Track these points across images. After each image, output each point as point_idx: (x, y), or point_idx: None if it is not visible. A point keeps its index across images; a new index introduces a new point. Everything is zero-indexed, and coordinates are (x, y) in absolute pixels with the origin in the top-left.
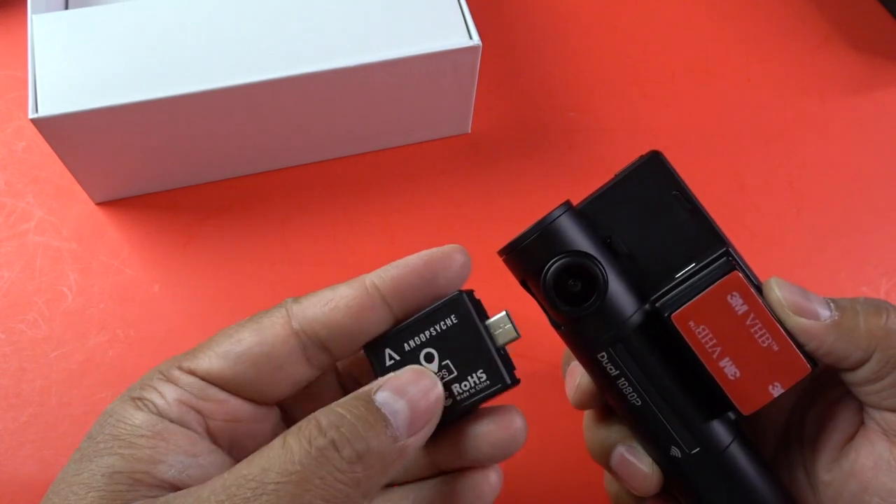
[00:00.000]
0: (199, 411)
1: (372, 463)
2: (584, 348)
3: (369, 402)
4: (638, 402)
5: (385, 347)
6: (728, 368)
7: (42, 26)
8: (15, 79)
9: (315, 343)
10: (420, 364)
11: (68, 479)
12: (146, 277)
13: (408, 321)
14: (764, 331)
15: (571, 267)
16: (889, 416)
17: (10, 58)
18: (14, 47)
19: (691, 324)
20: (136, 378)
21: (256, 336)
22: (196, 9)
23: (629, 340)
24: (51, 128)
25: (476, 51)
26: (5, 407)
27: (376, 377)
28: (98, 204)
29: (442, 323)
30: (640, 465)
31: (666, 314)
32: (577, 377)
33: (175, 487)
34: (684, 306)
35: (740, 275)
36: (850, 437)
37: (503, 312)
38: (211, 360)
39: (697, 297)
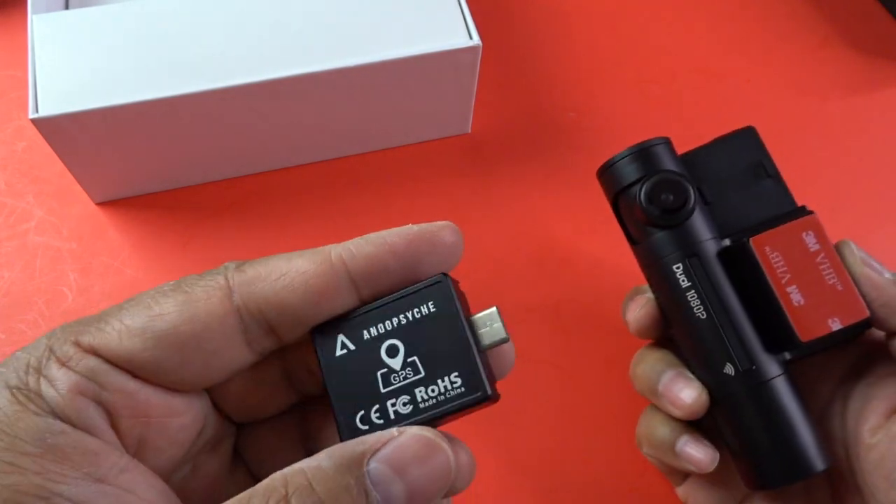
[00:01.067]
0: (104, 406)
1: None
2: (660, 260)
3: (359, 477)
4: (703, 315)
5: (339, 333)
6: (794, 295)
7: (42, 26)
8: (15, 79)
9: (260, 325)
10: (380, 358)
11: None
12: (146, 277)
13: (372, 304)
14: (831, 270)
15: (670, 181)
16: None
17: (10, 58)
18: (14, 47)
19: (767, 249)
20: None
21: (185, 311)
22: (196, 9)
23: (706, 257)
24: (51, 128)
25: (476, 51)
26: None
27: (320, 368)
28: (98, 204)
29: (416, 310)
30: (691, 383)
31: (746, 238)
32: (640, 305)
33: None
34: (763, 233)
35: (814, 218)
36: (893, 410)
37: (492, 308)
38: (122, 338)
39: (776, 227)
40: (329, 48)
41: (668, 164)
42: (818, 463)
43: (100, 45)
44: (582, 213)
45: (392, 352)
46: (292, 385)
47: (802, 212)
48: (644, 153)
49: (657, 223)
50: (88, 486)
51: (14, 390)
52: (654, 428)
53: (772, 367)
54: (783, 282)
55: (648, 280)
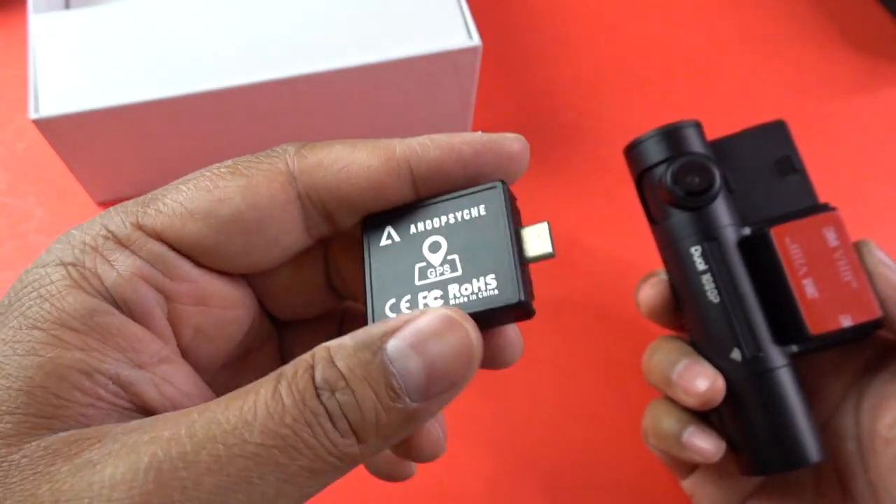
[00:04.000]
0: (163, 292)
1: (369, 435)
2: (679, 241)
3: (377, 353)
4: (716, 299)
5: (388, 224)
6: (808, 288)
7: (42, 26)
8: (15, 79)
9: (319, 212)
10: (421, 252)
11: None
12: None
13: (427, 200)
14: (848, 267)
15: (698, 164)
16: None
17: (11, 58)
18: (14, 47)
19: (787, 240)
20: None
21: (248, 196)
22: (196, 9)
23: (725, 242)
24: (51, 128)
25: (476, 51)
26: None
27: (363, 258)
28: (99, 204)
29: (466, 211)
30: (705, 370)
31: (766, 227)
32: (652, 286)
33: (125, 409)
34: (784, 223)
35: (836, 215)
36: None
37: (544, 223)
38: (185, 222)
39: (798, 220)
40: (329, 48)
41: (698, 148)
42: (814, 455)
43: (100, 44)
44: (582, 213)
45: (434, 248)
46: (333, 288)
47: (825, 208)
48: (674, 134)
49: (680, 204)
50: (129, 369)
51: (69, 266)
52: (660, 419)
53: (778, 358)
54: (799, 274)
55: (664, 261)
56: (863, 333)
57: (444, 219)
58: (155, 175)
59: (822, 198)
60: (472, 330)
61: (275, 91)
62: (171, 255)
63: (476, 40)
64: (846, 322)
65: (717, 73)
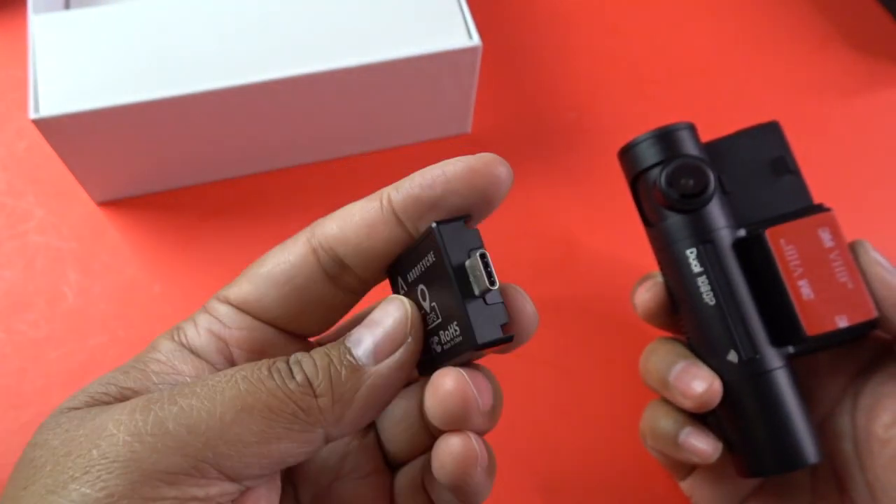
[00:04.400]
0: (223, 339)
1: (324, 389)
2: (675, 244)
3: (342, 341)
4: (712, 301)
5: (397, 274)
6: (804, 289)
7: (42, 26)
8: (15, 79)
9: (334, 261)
10: (419, 300)
11: (85, 389)
12: (146, 277)
13: (407, 247)
14: (843, 268)
15: (692, 166)
16: None
17: (10, 58)
18: (14, 47)
19: (782, 241)
20: None
21: (278, 256)
22: (196, 9)
23: (720, 244)
24: (51, 128)
25: (476, 51)
26: (6, 407)
27: None
28: (98, 204)
29: (426, 259)
30: (702, 372)
31: (761, 229)
32: (648, 288)
33: None
34: (779, 225)
35: (835, 216)
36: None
37: (476, 256)
38: (241, 286)
39: (793, 221)
40: (329, 48)
41: (692, 150)
42: (811, 456)
43: (100, 45)
44: (581, 213)
45: (423, 296)
46: None
47: (819, 209)
48: (668, 136)
49: (675, 207)
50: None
51: (174, 331)
52: (658, 420)
53: (774, 359)
54: (795, 275)
55: (660, 263)
56: (858, 334)
57: (419, 267)
58: (155, 175)
59: (820, 198)
60: (400, 300)
61: (275, 91)
62: (234, 312)
63: (476, 40)
64: (842, 323)
65: (717, 73)
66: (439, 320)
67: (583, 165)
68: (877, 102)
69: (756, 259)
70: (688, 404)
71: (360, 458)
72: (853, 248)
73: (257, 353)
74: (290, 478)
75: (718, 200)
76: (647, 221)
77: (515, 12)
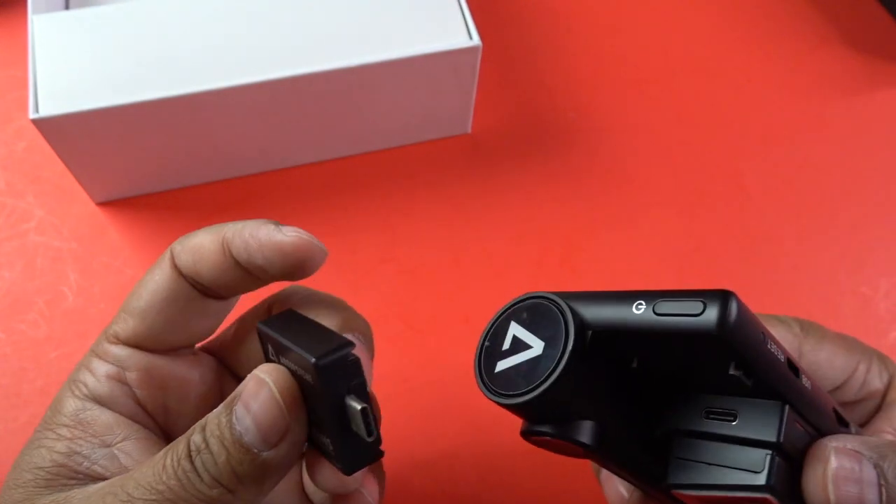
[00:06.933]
0: (125, 382)
1: (233, 484)
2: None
3: (229, 415)
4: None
5: (267, 343)
6: None
7: (42, 26)
8: (15, 79)
9: (197, 282)
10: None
11: (18, 466)
12: None
13: (284, 341)
14: None
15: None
16: None
17: (10, 58)
18: (14, 47)
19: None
20: None
21: (150, 285)
22: (196, 9)
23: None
24: (51, 128)
25: (476, 51)
26: (6, 407)
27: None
28: (98, 204)
29: (305, 372)
30: None
31: (665, 484)
32: (616, 484)
33: (93, 478)
34: (691, 493)
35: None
36: None
37: (359, 406)
38: (127, 323)
39: (712, 493)
40: (329, 48)
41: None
42: None
43: (100, 45)
44: (581, 213)
45: (300, 381)
46: None
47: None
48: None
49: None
50: (97, 449)
51: (70, 382)
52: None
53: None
54: None
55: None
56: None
57: (295, 368)
58: (154, 175)
59: (820, 198)
60: (272, 384)
61: (275, 91)
62: (128, 351)
63: (476, 40)
64: None
65: (716, 72)
66: (313, 423)
67: (582, 165)
68: (877, 102)
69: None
70: None
71: None
72: (808, 459)
73: (157, 387)
74: None
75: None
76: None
77: (515, 12)
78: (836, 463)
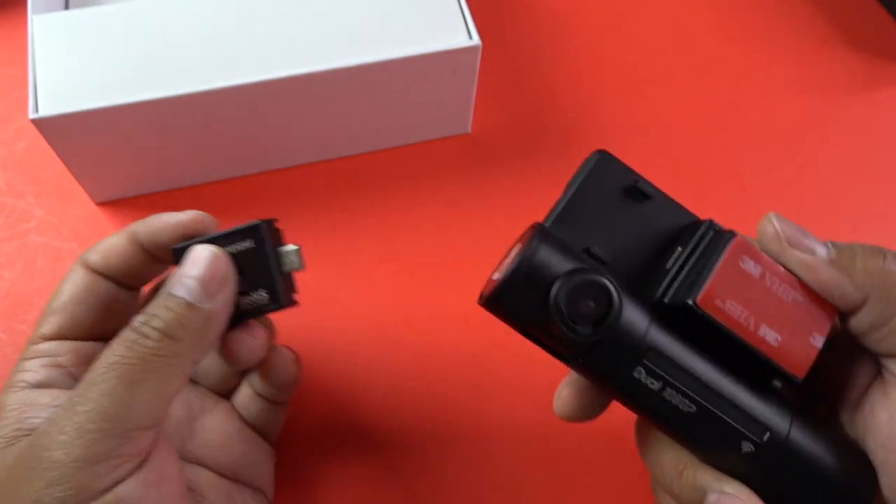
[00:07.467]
0: (61, 366)
1: (179, 334)
2: (615, 372)
3: (169, 291)
4: (692, 407)
5: (186, 252)
6: (768, 336)
7: (42, 26)
8: (15, 79)
9: (110, 275)
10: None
11: None
12: None
13: (212, 235)
14: (784, 286)
15: (582, 288)
16: None
17: (10, 58)
18: (14, 47)
19: (718, 302)
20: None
21: (66, 285)
22: (196, 9)
23: (661, 344)
24: (51, 128)
25: (476, 51)
26: None
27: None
28: (98, 204)
29: (240, 244)
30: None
31: (690, 301)
32: (562, 398)
33: None
34: (705, 288)
35: (743, 238)
36: (865, 390)
37: (296, 246)
38: (50, 322)
39: (713, 273)
40: (329, 48)
41: (561, 264)
42: (868, 495)
43: (100, 45)
44: None
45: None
46: None
47: (717, 231)
48: (533, 264)
49: (596, 339)
50: (48, 409)
51: (7, 386)
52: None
53: (784, 419)
54: (751, 329)
55: (607, 391)
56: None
57: (230, 248)
58: (154, 175)
59: (821, 198)
60: (213, 248)
61: (275, 91)
62: (57, 343)
63: (476, 40)
64: (819, 342)
65: (716, 72)
66: (241, 289)
67: None
68: (877, 102)
69: (701, 328)
70: None
71: (202, 401)
72: (763, 245)
73: (90, 363)
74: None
75: (625, 294)
76: (564, 359)
77: (515, 12)
78: None
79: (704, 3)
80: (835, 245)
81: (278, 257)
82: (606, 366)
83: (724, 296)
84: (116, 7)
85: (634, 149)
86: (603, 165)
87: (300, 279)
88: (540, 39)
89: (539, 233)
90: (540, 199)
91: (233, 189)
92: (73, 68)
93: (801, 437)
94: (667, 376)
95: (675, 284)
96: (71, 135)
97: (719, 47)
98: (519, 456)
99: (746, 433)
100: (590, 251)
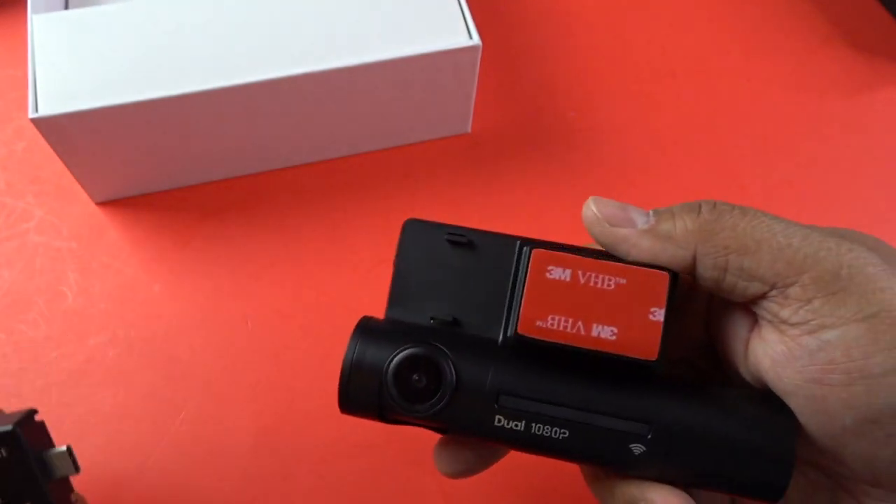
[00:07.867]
0: None
1: None
2: (480, 427)
3: None
4: (565, 432)
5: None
6: (603, 333)
7: (42, 26)
8: (15, 79)
9: None
10: None
11: None
12: (146, 277)
13: None
14: (601, 276)
15: (400, 368)
16: (765, 303)
17: (10, 58)
18: (14, 47)
19: (539, 323)
20: (137, 377)
21: None
22: (196, 9)
23: (508, 386)
24: (51, 128)
25: (476, 51)
26: (5, 407)
27: None
28: (98, 204)
29: None
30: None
31: (511, 334)
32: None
33: None
34: (521, 315)
35: (541, 249)
36: (747, 341)
37: (65, 447)
38: None
39: (523, 296)
40: (329, 48)
41: (381, 352)
42: (790, 437)
43: (100, 45)
44: (581, 213)
45: None
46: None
47: (522, 247)
48: (354, 363)
49: (440, 409)
50: None
51: None
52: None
53: (663, 405)
54: (583, 334)
55: (483, 443)
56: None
57: None
58: (154, 175)
59: (820, 197)
60: None
61: (275, 91)
62: None
63: (476, 40)
64: (659, 315)
65: (716, 72)
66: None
67: (582, 165)
68: (877, 102)
69: (542, 352)
70: None
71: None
72: (593, 234)
73: None
74: None
75: (457, 344)
76: (435, 430)
77: (515, 12)
78: None
79: (704, 3)
80: (655, 212)
81: (47, 462)
82: (468, 424)
83: (541, 314)
84: (116, 7)
85: (634, 149)
86: (412, 233)
87: (298, 282)
88: (540, 39)
89: (355, 330)
90: (540, 199)
91: (233, 189)
92: (72, 68)
93: (691, 414)
94: (528, 412)
95: (512, 318)
96: (71, 134)
97: (719, 47)
98: (521, 457)
99: (628, 435)
100: (434, 318)
